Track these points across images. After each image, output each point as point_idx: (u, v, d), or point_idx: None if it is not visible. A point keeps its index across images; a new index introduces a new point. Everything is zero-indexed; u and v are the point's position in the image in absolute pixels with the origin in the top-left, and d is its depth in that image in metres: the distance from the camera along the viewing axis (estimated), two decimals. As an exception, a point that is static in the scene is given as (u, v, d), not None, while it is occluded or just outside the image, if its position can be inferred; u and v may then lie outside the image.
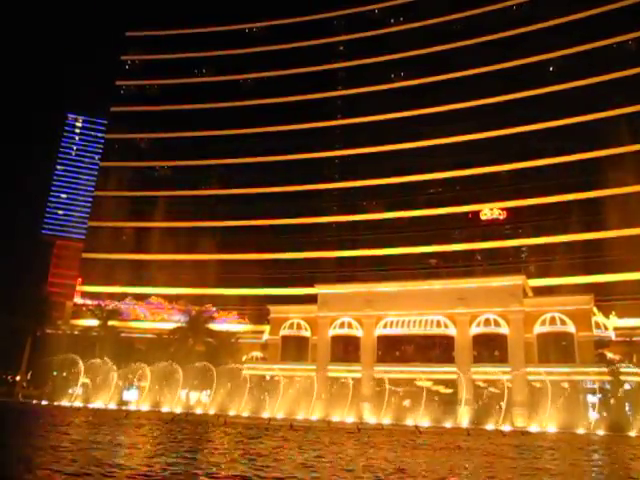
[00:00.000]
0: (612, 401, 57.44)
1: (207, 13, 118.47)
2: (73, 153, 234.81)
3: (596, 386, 58.86)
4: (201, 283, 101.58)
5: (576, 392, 58.43)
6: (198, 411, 65.29)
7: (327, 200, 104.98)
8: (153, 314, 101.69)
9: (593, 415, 57.59)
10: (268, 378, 71.26)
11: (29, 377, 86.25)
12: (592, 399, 59.33)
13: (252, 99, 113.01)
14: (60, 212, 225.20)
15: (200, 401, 72.24)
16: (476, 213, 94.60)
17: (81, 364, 67.32)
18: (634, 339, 70.13)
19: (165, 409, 64.39)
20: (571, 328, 62.13)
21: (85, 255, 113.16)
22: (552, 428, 53.93)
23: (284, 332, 74.27)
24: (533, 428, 54.79)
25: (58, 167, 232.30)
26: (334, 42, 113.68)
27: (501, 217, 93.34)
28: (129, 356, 74.34)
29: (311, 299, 75.23)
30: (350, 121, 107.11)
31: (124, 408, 65.01)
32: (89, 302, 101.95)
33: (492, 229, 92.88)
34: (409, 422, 57.35)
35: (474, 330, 65.49)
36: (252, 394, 67.27)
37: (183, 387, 69.73)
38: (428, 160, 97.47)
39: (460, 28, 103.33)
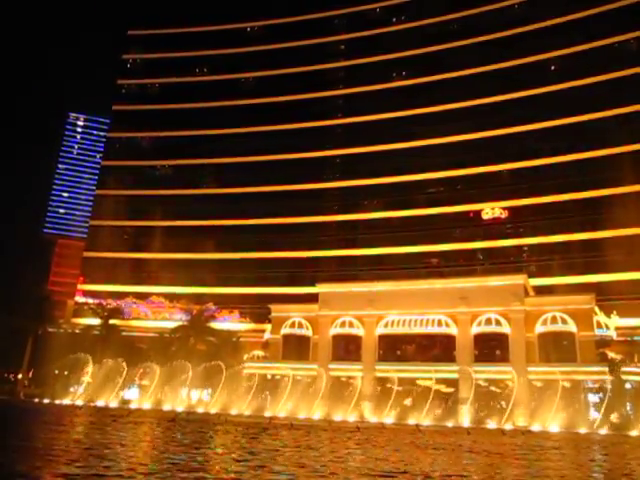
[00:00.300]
0: (613, 400, 57.35)
1: (208, 12, 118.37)
2: (74, 152, 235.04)
3: (597, 385, 58.86)
4: (202, 282, 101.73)
5: (577, 391, 58.40)
6: (199, 410, 65.34)
7: (328, 199, 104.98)
8: (154, 313, 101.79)
9: (594, 414, 57.58)
10: (269, 377, 71.28)
11: (31, 376, 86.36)
12: (593, 398, 59.33)
13: (252, 98, 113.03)
14: (62, 211, 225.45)
15: (201, 400, 72.30)
16: (477, 212, 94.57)
17: (91, 364, 67.37)
18: (635, 339, 70.12)
19: (166, 408, 64.45)
20: (572, 327, 62.10)
21: (86, 254, 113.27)
22: (554, 427, 53.92)
23: (285, 331, 74.32)
24: (534, 427, 54.78)
25: (59, 166, 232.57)
26: (334, 41, 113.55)
27: (502, 216, 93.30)
28: (130, 355, 74.35)
29: (312, 298, 75.27)
30: (351, 120, 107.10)
31: (126, 407, 65.11)
32: (90, 301, 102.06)
33: (493, 228, 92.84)
34: (410, 421, 57.37)
35: (475, 329, 65.49)
36: (256, 393, 67.34)
37: (185, 386, 69.80)
38: (429, 159, 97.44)
39: (458, 28, 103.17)
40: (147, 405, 66.18)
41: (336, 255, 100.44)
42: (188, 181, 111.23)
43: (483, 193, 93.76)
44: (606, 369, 58.31)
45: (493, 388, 64.18)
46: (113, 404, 66.13)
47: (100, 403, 66.21)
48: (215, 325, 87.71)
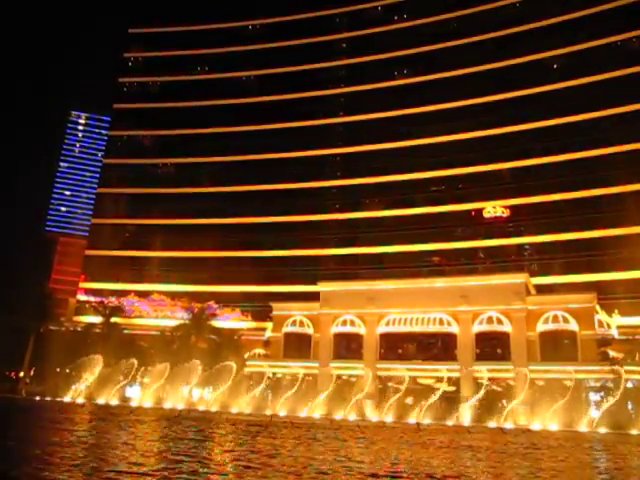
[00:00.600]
0: (614, 399, 57.30)
1: (209, 10, 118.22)
2: (76, 150, 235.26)
3: (599, 384, 58.80)
4: (204, 280, 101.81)
5: (578, 390, 58.35)
6: (200, 408, 65.42)
7: (330, 197, 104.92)
8: (156, 311, 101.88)
9: (595, 413, 57.56)
10: (271, 375, 71.32)
11: (32, 373, 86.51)
12: (594, 397, 59.28)
13: (253, 96, 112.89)
14: (63, 209, 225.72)
15: (203, 398, 72.38)
16: (479, 211, 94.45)
17: (101, 364, 67.52)
18: (637, 337, 69.97)
19: (167, 406, 64.53)
20: (574, 326, 62.05)
21: (88, 252, 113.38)
22: (554, 426, 53.90)
23: (286, 329, 74.35)
24: (535, 426, 54.77)
25: (61, 164, 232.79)
26: (334, 40, 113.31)
27: (504, 215, 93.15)
28: (132, 353, 74.45)
29: (313, 296, 75.27)
30: (352, 119, 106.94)
31: (127, 404, 65.24)
32: (92, 299, 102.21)
33: (495, 227, 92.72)
34: (411, 420, 57.40)
35: (476, 328, 65.46)
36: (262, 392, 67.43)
37: (188, 384, 69.89)
38: (431, 158, 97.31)
39: (459, 26, 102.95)
40: (148, 403, 66.27)
41: (337, 253, 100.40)
42: (189, 179, 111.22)
43: (485, 192, 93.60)
44: (607, 368, 58.28)
45: (494, 387, 64.14)
46: (114, 402, 66.26)
47: (101, 401, 66.34)
48: (216, 323, 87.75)
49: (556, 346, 62.13)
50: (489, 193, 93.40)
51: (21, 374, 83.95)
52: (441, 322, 66.76)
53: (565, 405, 55.86)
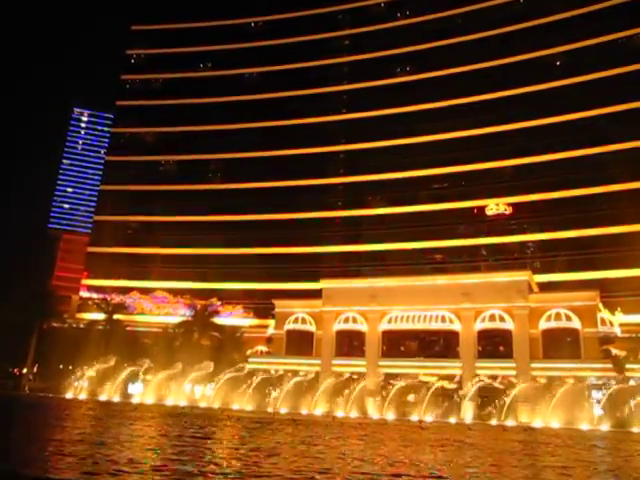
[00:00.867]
0: (616, 397, 57.26)
1: (211, 7, 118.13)
2: (79, 147, 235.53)
3: (601, 382, 58.76)
4: (206, 277, 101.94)
5: (581, 388, 58.31)
6: (202, 405, 65.59)
7: (332, 195, 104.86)
8: (158, 308, 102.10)
9: (598, 411, 57.52)
10: (273, 372, 71.40)
11: (35, 370, 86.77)
12: (597, 395, 59.24)
13: (256, 93, 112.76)
14: (66, 206, 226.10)
15: (205, 395, 72.54)
16: (481, 208, 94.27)
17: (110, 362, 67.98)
18: (639, 335, 69.85)
19: (169, 403, 64.69)
20: (576, 324, 62.00)
21: (91, 249, 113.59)
22: (555, 424, 53.89)
23: (289, 326, 74.41)
24: (536, 424, 54.77)
25: (64, 161, 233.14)
26: (338, 37, 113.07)
27: (506, 212, 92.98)
28: (134, 350, 74.68)
29: (316, 294, 75.28)
30: (355, 116, 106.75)
31: (129, 401, 65.40)
32: (95, 296, 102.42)
33: (497, 224, 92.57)
34: (413, 417, 57.44)
35: (479, 325, 65.43)
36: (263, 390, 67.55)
37: (190, 381, 70.09)
38: (434, 155, 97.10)
39: (464, 22, 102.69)
40: (150, 400, 66.43)
41: (340, 251, 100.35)
42: (192, 176, 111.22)
43: (487, 189, 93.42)
44: (610, 366, 58.22)
45: (496, 384, 64.09)
46: (116, 398, 66.45)
47: (103, 397, 66.55)
48: (219, 320, 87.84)
49: (559, 344, 62.09)
50: (492, 190, 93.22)
51: (24, 371, 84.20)
52: (443, 320, 66.73)
53: (567, 403, 55.81)
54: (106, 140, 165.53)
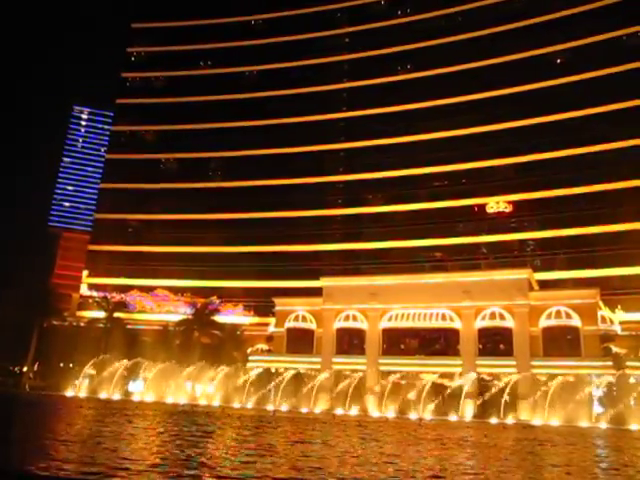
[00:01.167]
0: (617, 395, 57.29)
1: (211, 5, 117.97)
2: (79, 145, 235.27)
3: (601, 380, 58.76)
4: (207, 275, 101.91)
5: (581, 386, 58.31)
6: (202, 403, 65.63)
7: (332, 193, 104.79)
8: (159, 306, 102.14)
9: (598, 409, 57.53)
10: (273, 370, 71.43)
11: (36, 368, 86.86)
12: (597, 393, 59.26)
13: (256, 91, 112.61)
14: (66, 204, 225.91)
15: (205, 393, 72.59)
16: (482, 206, 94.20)
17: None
18: (640, 333, 69.87)
19: (170, 400, 64.73)
20: (577, 322, 61.95)
21: (91, 247, 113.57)
22: (555, 422, 53.89)
23: (289, 324, 74.35)
24: (536, 421, 54.78)
25: (64, 159, 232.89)
26: (337, 34, 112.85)
27: (507, 210, 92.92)
28: (135, 348, 74.73)
29: (316, 292, 75.23)
30: (355, 114, 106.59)
31: (130, 399, 65.45)
32: (95, 294, 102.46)
33: (498, 222, 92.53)
34: (412, 415, 57.45)
35: (479, 323, 65.39)
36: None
37: (190, 379, 70.14)
38: (434, 153, 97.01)
39: (462, 21, 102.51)
40: (150, 398, 66.49)
41: (340, 249, 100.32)
42: (192, 174, 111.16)
43: (487, 187, 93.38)
44: (610, 363, 58.22)
45: (497, 382, 64.10)
46: (116, 397, 66.50)
47: (103, 395, 66.59)
48: (219, 318, 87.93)
49: (559, 342, 62.05)
50: (492, 188, 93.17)
51: (25, 369, 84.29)
52: (444, 318, 66.68)
53: (567, 401, 55.81)
54: (106, 138, 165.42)
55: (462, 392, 61.02)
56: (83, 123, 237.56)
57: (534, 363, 61.15)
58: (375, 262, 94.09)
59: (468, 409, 59.85)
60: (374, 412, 61.14)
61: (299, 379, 67.70)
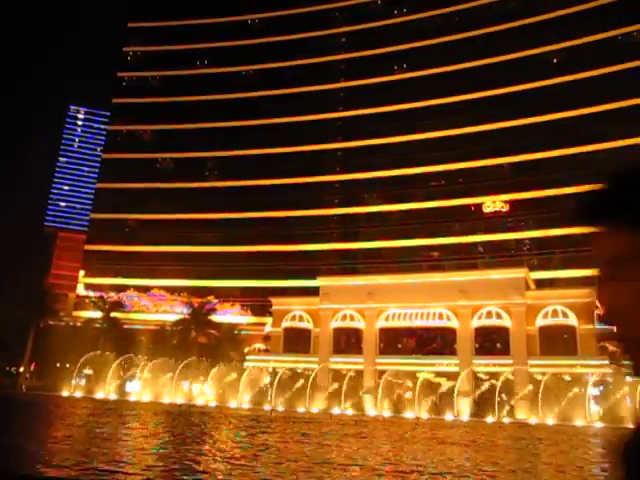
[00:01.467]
0: (613, 393, 57.45)
1: (208, 4, 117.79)
2: (75, 145, 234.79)
3: (597, 378, 58.95)
4: (203, 275, 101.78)
5: (577, 385, 58.50)
6: (199, 403, 65.56)
7: (329, 192, 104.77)
8: (155, 306, 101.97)
9: (594, 407, 57.69)
10: (270, 369, 71.44)
11: (32, 368, 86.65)
12: (593, 391, 59.43)
13: (253, 91, 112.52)
14: (62, 204, 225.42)
15: (202, 392, 72.56)
16: (478, 206, 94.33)
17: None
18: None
19: (166, 400, 64.63)
20: (573, 321, 62.14)
21: (87, 247, 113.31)
22: (551, 420, 54.04)
23: (286, 324, 74.36)
24: (532, 420, 54.91)
25: (60, 159, 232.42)
26: (334, 34, 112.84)
27: (503, 209, 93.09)
28: (132, 348, 74.64)
29: (313, 291, 75.25)
30: (351, 113, 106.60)
31: (127, 399, 65.35)
32: (92, 294, 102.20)
33: (494, 222, 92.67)
34: (409, 414, 57.52)
35: (476, 323, 65.52)
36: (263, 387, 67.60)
37: (188, 379, 70.07)
38: (431, 152, 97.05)
39: (460, 20, 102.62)
40: (147, 398, 66.39)
41: (337, 248, 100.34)
42: (189, 174, 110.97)
43: (484, 186, 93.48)
44: (606, 362, 58.40)
45: (493, 381, 64.23)
46: (113, 396, 66.38)
47: (100, 395, 66.46)
48: (216, 318, 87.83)
49: (555, 340, 62.25)
50: (488, 188, 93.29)
51: (21, 369, 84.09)
52: (440, 317, 66.79)
53: (564, 399, 55.97)
54: (102, 138, 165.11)
55: (459, 391, 61.13)
56: (79, 123, 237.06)
57: (531, 362, 61.30)
58: (372, 262, 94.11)
59: (464, 408, 59.96)
60: (371, 411, 61.18)
61: (296, 379, 67.72)
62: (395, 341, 69.93)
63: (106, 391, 67.53)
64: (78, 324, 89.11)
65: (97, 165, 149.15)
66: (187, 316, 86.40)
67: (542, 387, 57.46)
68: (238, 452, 20.82)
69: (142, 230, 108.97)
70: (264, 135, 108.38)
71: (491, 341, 65.87)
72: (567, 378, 59.04)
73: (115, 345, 72.87)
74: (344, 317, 71.36)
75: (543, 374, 59.93)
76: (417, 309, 67.74)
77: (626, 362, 58.72)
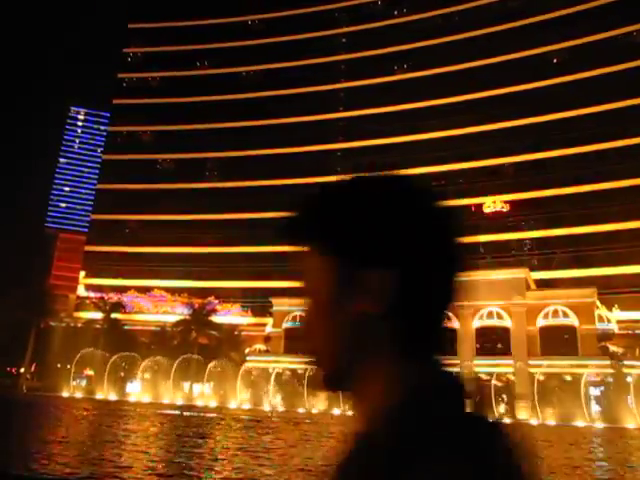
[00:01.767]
0: (614, 394, 57.38)
1: (209, 5, 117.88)
2: (76, 146, 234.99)
3: (598, 379, 58.89)
4: (204, 276, 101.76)
5: (578, 385, 58.42)
6: (199, 403, 65.55)
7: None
8: (156, 307, 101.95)
9: (595, 408, 57.62)
10: (271, 370, 71.41)
11: (33, 369, 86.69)
12: (594, 392, 59.35)
13: (254, 92, 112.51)
14: (63, 205, 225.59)
15: (203, 393, 72.55)
16: (479, 206, 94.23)
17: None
18: (637, 332, 70.00)
19: (166, 401, 64.63)
20: (574, 321, 62.06)
21: (88, 248, 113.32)
22: (552, 421, 53.98)
23: (287, 325, 74.30)
24: (532, 421, 54.84)
25: (61, 160, 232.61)
26: (335, 34, 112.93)
27: (504, 210, 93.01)
28: (132, 349, 74.64)
29: (313, 292, 75.10)
30: (352, 113, 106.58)
31: (127, 400, 65.34)
32: (92, 295, 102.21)
33: (495, 222, 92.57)
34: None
35: (477, 323, 65.45)
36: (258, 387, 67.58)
37: (188, 380, 70.07)
38: (431, 153, 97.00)
39: (460, 20, 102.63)
40: (147, 398, 66.38)
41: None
42: (189, 175, 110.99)
43: (485, 186, 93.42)
44: (607, 362, 58.32)
45: (494, 381, 64.16)
46: (112, 397, 66.38)
47: (100, 396, 66.47)
48: (217, 319, 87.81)
49: (556, 341, 62.16)
50: (489, 188, 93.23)
51: (22, 370, 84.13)
52: (441, 317, 66.69)
53: (564, 400, 55.90)
54: (103, 139, 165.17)
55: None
56: (79, 124, 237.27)
57: (531, 362, 61.23)
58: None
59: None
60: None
61: (296, 379, 67.66)
62: (395, 342, 69.87)
63: (106, 392, 67.52)
64: (79, 325, 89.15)
65: (97, 166, 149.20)
66: (188, 317, 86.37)
67: (543, 387, 57.42)
68: (239, 453, 20.78)
69: (142, 231, 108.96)
70: (265, 136, 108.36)
71: (492, 341, 65.82)
72: (568, 378, 58.88)
73: (116, 346, 72.84)
74: (344, 318, 71.26)
75: (544, 374, 59.89)
76: (417, 309, 67.62)
77: (626, 362, 58.71)
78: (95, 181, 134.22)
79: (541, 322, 63.36)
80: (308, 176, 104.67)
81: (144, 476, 14.62)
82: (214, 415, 45.75)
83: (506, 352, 63.40)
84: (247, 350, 79.62)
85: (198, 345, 78.67)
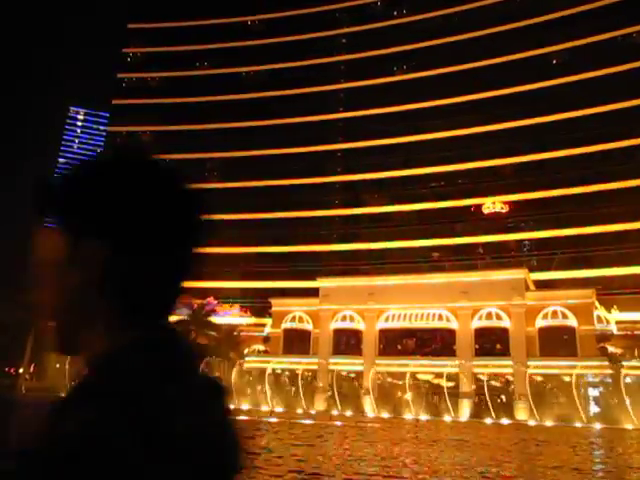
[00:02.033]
0: (612, 394, 57.42)
1: (208, 5, 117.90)
2: (75, 146, 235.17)
3: (597, 380, 58.94)
4: (203, 276, 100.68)
5: (577, 386, 58.47)
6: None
7: (330, 193, 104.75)
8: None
9: (594, 409, 57.66)
10: (270, 371, 71.44)
11: (32, 370, 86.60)
12: (593, 392, 59.41)
13: (253, 92, 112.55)
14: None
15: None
16: (479, 207, 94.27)
17: None
18: (636, 333, 70.00)
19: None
20: (573, 322, 62.11)
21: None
22: (550, 421, 54.01)
23: (286, 325, 74.37)
24: (531, 422, 54.88)
25: (60, 160, 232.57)
26: (336, 35, 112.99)
27: (503, 210, 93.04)
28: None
29: (313, 292, 75.19)
30: (353, 114, 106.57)
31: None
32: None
33: (494, 223, 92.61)
34: (408, 416, 57.51)
35: (476, 323, 65.49)
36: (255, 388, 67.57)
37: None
38: (431, 154, 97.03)
39: (459, 21, 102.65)
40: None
41: (337, 249, 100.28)
42: (189, 175, 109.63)
43: (485, 187, 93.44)
44: (606, 363, 58.37)
45: (493, 382, 64.22)
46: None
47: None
48: (216, 319, 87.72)
49: (555, 342, 62.21)
50: (489, 189, 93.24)
51: (21, 370, 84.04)
52: (440, 318, 66.77)
53: (563, 400, 55.95)
54: (102, 139, 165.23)
55: (458, 392, 61.13)
56: (79, 124, 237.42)
57: (530, 363, 61.28)
58: (372, 262, 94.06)
59: (464, 409, 59.92)
60: (370, 413, 61.15)
61: (295, 380, 67.72)
62: (395, 342, 69.90)
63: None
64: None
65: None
66: (187, 317, 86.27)
67: (541, 388, 57.48)
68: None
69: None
70: (265, 136, 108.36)
71: (491, 342, 65.85)
72: (567, 379, 58.93)
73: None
74: (344, 318, 71.35)
75: (543, 375, 59.94)
76: (417, 310, 67.74)
77: (625, 363, 58.75)
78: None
79: (540, 323, 63.43)
80: (310, 176, 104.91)
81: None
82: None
83: (505, 353, 63.43)
84: (246, 350, 79.62)
85: (197, 346, 78.53)
